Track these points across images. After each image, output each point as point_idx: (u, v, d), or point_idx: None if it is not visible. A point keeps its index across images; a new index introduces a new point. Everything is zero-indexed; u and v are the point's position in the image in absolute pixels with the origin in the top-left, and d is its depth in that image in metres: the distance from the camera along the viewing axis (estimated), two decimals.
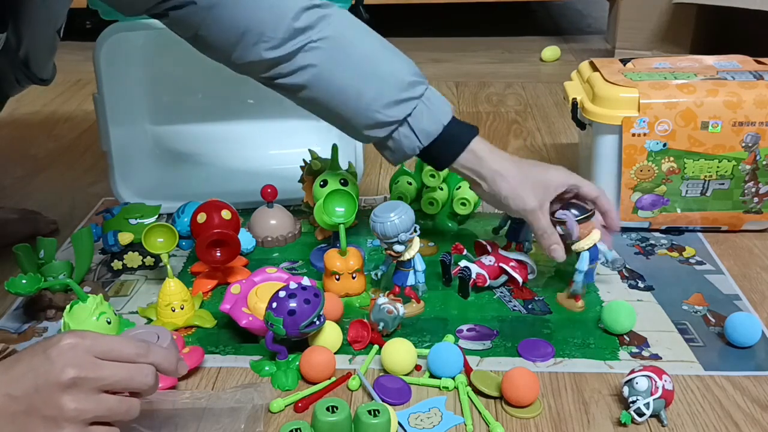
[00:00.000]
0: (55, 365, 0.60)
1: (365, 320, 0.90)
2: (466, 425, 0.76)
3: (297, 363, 0.85)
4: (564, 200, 0.95)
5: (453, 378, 0.82)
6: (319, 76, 0.91)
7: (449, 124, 0.93)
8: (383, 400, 0.78)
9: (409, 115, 0.91)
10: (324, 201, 0.97)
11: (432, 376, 0.84)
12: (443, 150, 0.94)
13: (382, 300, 0.89)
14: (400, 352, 0.84)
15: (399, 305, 0.89)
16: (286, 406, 0.79)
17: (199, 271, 1.04)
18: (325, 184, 1.03)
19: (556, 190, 0.93)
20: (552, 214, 0.93)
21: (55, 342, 0.61)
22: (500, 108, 1.74)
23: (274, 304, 0.82)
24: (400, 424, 0.76)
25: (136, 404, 0.64)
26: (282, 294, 0.83)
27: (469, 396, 0.80)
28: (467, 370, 0.83)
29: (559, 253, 0.93)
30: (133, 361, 0.64)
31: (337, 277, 0.97)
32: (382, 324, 0.89)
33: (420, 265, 0.93)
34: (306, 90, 0.92)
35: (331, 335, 0.87)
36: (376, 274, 0.97)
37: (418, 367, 0.85)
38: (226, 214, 1.00)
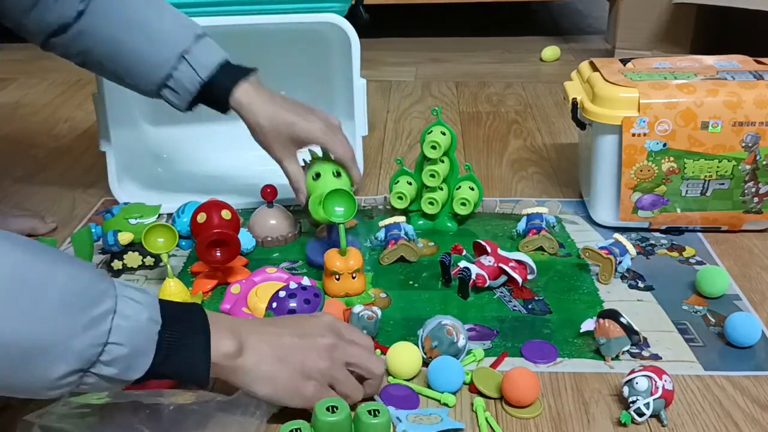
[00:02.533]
0: (322, 330, 0.74)
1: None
2: None
3: None
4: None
5: (454, 393, 0.81)
6: (97, 30, 0.97)
7: (227, 63, 0.99)
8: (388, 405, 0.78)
9: (186, 51, 0.96)
10: (324, 201, 0.97)
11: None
12: (220, 86, 0.98)
13: (359, 308, 0.89)
14: (405, 356, 0.83)
15: (376, 308, 0.89)
16: None
17: (199, 271, 1.04)
18: (318, 176, 1.02)
19: (302, 144, 1.02)
20: None
21: (320, 316, 0.77)
22: (500, 108, 1.74)
23: (275, 304, 0.82)
24: (398, 418, 0.75)
25: (360, 390, 0.76)
26: (282, 294, 0.83)
27: (488, 421, 0.77)
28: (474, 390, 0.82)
29: (300, 196, 1.03)
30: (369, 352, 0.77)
31: (337, 277, 0.97)
32: (365, 331, 0.88)
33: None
34: (89, 52, 0.98)
35: None
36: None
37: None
38: (226, 214, 1.00)
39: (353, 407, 0.75)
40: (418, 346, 0.85)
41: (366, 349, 0.77)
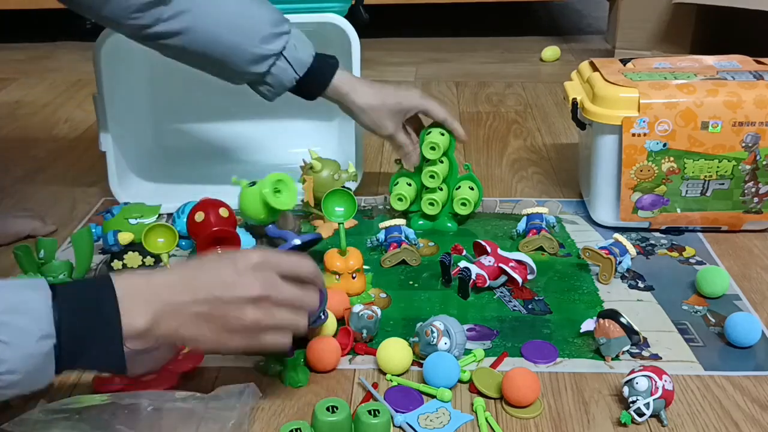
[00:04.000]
0: (244, 280, 0.68)
1: (351, 327, 0.89)
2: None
3: (303, 359, 0.85)
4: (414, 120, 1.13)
5: (450, 388, 0.81)
6: (198, 15, 0.96)
7: (317, 56, 1.03)
8: (396, 411, 0.78)
9: (284, 48, 0.99)
10: (324, 201, 0.98)
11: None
12: (315, 80, 1.04)
13: (358, 307, 0.89)
14: (394, 351, 0.84)
15: (375, 308, 0.89)
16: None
17: None
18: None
19: (408, 112, 1.10)
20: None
21: (242, 257, 0.69)
22: (500, 108, 1.74)
23: None
24: (410, 425, 0.76)
25: (305, 320, 0.72)
26: None
27: (488, 421, 0.77)
28: (474, 390, 0.82)
29: (414, 158, 1.12)
30: (309, 281, 0.73)
31: (337, 277, 0.97)
32: (365, 331, 0.88)
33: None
34: (184, 35, 0.96)
35: (330, 330, 0.89)
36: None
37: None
38: (223, 212, 1.01)
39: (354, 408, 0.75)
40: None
41: (299, 289, 0.71)
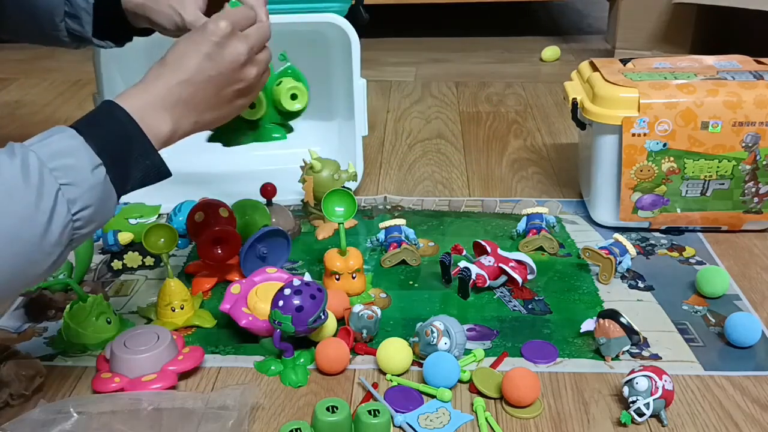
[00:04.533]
0: (228, 48, 0.75)
1: (351, 327, 0.89)
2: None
3: (303, 359, 0.85)
4: None
5: (450, 388, 0.81)
6: None
7: None
8: (396, 411, 0.78)
9: None
10: (324, 200, 0.98)
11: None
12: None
13: (359, 307, 0.89)
14: (394, 351, 0.84)
15: (375, 308, 0.89)
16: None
17: (194, 271, 1.03)
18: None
19: None
20: None
21: (211, 31, 0.75)
22: (500, 108, 1.74)
23: (281, 302, 0.82)
24: (410, 425, 0.76)
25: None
26: (287, 292, 0.82)
27: (488, 421, 0.77)
28: (474, 389, 0.82)
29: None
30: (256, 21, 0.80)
31: (337, 277, 0.97)
32: (365, 331, 0.88)
33: None
34: None
35: (330, 330, 0.89)
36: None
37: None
38: (223, 212, 1.01)
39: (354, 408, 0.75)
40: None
41: (266, 45, 0.81)
